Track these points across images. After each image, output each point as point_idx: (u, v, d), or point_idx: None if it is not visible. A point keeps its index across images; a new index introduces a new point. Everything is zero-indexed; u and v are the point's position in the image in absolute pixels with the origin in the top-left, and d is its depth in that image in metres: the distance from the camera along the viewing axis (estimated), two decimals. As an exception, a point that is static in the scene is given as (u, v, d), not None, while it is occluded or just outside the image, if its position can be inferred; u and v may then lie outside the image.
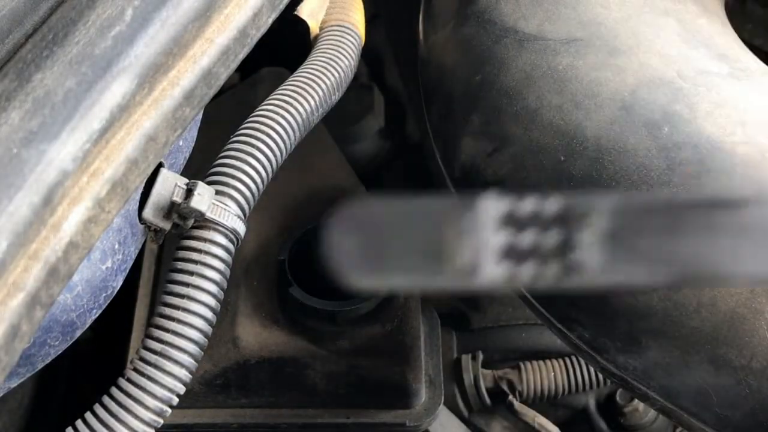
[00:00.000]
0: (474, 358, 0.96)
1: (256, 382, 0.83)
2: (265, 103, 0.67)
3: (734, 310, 0.57)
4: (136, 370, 0.57)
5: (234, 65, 0.57)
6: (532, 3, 0.70)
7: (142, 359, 0.57)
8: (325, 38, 0.75)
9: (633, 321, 0.61)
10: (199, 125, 0.66)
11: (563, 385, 0.95)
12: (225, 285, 0.60)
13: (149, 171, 0.51)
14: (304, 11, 0.77)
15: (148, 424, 0.56)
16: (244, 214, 0.61)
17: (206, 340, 0.58)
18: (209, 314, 0.58)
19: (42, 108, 0.46)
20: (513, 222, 0.18)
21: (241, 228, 0.60)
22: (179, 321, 0.57)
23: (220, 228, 0.59)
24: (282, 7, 0.61)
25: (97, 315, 0.57)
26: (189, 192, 0.58)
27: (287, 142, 0.65)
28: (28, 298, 0.44)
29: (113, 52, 0.49)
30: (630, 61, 0.65)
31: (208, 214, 0.58)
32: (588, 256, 0.18)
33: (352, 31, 0.76)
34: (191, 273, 0.58)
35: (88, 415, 0.56)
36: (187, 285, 0.58)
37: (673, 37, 0.67)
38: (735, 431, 0.59)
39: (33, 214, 0.44)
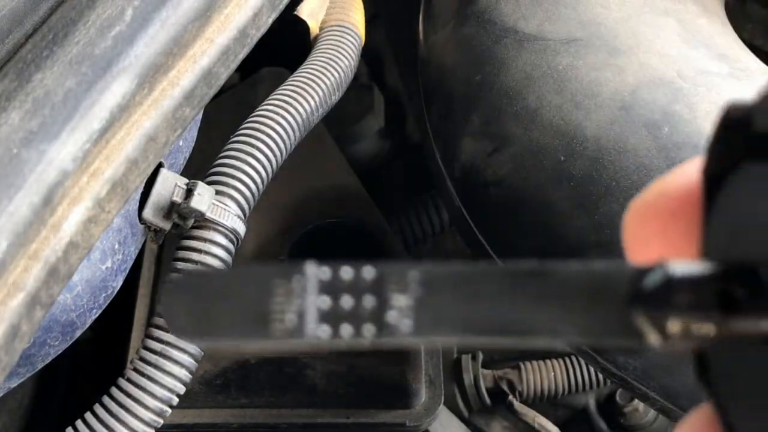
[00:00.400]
0: (474, 358, 0.96)
1: (256, 382, 0.84)
2: (265, 103, 0.67)
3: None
4: (136, 370, 0.57)
5: (234, 65, 0.57)
6: (532, 3, 0.70)
7: (142, 359, 0.57)
8: (325, 38, 0.75)
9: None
10: (199, 125, 0.66)
11: (563, 385, 0.95)
12: (225, 285, 0.60)
13: (149, 171, 0.51)
14: (304, 11, 0.77)
15: (148, 424, 0.56)
16: (244, 214, 0.61)
17: (206, 340, 0.58)
18: (209, 314, 0.58)
19: (42, 108, 0.46)
20: (334, 288, 0.20)
21: (241, 228, 0.60)
22: (179, 321, 0.57)
23: (220, 228, 0.59)
24: (282, 7, 0.61)
25: (97, 315, 0.57)
26: (189, 192, 0.58)
27: (287, 142, 0.65)
28: (28, 298, 0.44)
29: (113, 52, 0.49)
30: (630, 61, 0.65)
31: (208, 214, 0.58)
32: (399, 319, 0.20)
33: (352, 31, 0.76)
34: (191, 273, 0.58)
35: (88, 415, 0.56)
36: (187, 285, 0.58)
37: (673, 37, 0.67)
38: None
39: (33, 214, 0.44)
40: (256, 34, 0.59)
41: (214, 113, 0.72)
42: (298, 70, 0.71)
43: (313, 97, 0.68)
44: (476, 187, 0.70)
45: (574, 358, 0.96)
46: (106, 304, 0.58)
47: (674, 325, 0.20)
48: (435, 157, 0.76)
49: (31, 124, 0.46)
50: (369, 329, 0.20)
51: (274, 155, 0.64)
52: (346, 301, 0.20)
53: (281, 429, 0.84)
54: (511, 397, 0.95)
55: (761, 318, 0.20)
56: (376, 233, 0.86)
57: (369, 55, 1.10)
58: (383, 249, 0.84)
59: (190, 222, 0.59)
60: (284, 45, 0.85)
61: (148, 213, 0.58)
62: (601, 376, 0.94)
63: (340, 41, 0.74)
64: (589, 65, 0.65)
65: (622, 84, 0.64)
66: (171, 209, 0.58)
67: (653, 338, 0.20)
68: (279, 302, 0.20)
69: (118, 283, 0.58)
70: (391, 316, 0.20)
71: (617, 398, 0.97)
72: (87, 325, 0.57)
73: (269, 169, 0.63)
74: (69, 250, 0.46)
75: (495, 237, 0.71)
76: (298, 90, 0.68)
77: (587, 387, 0.96)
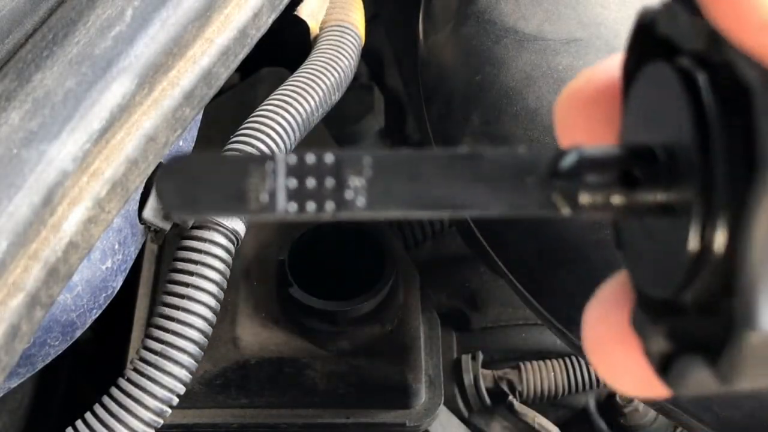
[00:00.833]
0: (474, 358, 0.96)
1: (256, 382, 0.83)
2: (265, 103, 0.67)
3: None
4: (136, 370, 0.57)
5: (234, 65, 0.57)
6: (532, 3, 0.70)
7: (142, 359, 0.57)
8: (325, 38, 0.75)
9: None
10: (199, 125, 0.66)
11: (563, 385, 0.95)
12: (225, 285, 0.60)
13: (149, 171, 0.51)
14: (304, 11, 0.77)
15: (148, 425, 0.56)
16: (244, 214, 0.61)
17: (206, 340, 0.58)
18: (209, 314, 0.58)
19: (42, 108, 0.46)
20: (300, 171, 0.23)
21: (241, 228, 0.60)
22: (179, 321, 0.57)
23: (220, 228, 0.59)
24: (282, 7, 0.61)
25: (97, 315, 0.57)
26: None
27: (287, 142, 0.65)
28: (28, 298, 0.44)
29: (113, 52, 0.49)
30: (630, 61, 0.65)
31: (208, 214, 0.58)
32: (354, 196, 0.23)
33: (352, 31, 0.76)
34: (191, 273, 0.58)
35: (88, 415, 0.56)
36: (187, 285, 0.58)
37: (673, 37, 0.67)
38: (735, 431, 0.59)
39: (33, 214, 0.44)
40: (256, 34, 0.59)
41: (214, 113, 0.72)
42: (298, 70, 0.71)
43: (313, 97, 0.68)
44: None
45: (574, 358, 0.96)
46: (106, 304, 0.58)
47: (584, 198, 0.24)
48: (435, 157, 0.76)
49: (31, 124, 0.46)
50: (330, 205, 0.23)
51: (274, 155, 0.64)
52: (311, 182, 0.23)
53: (281, 429, 0.84)
54: (511, 397, 0.95)
55: (656, 191, 0.24)
56: (376, 234, 0.86)
57: (369, 55, 1.10)
58: (383, 249, 0.84)
59: (190, 222, 0.59)
60: (284, 45, 0.85)
61: (148, 213, 0.58)
62: (601, 376, 0.94)
63: (340, 41, 0.74)
64: (589, 65, 0.65)
65: (622, 84, 0.64)
66: (171, 209, 0.58)
67: (565, 210, 0.24)
68: (254, 183, 0.23)
69: (118, 283, 0.58)
70: (348, 194, 0.23)
71: (617, 398, 0.97)
72: (87, 326, 0.57)
73: (269, 169, 0.63)
74: (69, 251, 0.46)
75: (495, 237, 0.71)
76: (298, 90, 0.68)
77: (587, 387, 0.96)
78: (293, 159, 0.23)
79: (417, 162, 0.24)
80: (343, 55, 0.73)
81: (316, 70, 0.70)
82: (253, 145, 0.63)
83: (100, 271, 0.55)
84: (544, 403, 0.97)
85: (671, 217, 0.24)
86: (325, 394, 0.83)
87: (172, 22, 0.52)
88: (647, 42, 0.26)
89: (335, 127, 0.99)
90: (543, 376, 0.95)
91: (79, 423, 0.56)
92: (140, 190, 0.57)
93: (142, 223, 0.59)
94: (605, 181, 0.24)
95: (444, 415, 0.89)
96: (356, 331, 0.85)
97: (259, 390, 0.84)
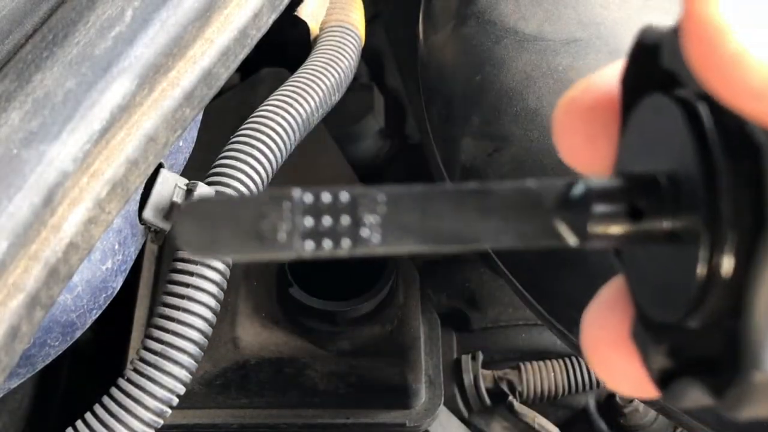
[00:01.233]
0: (474, 358, 0.96)
1: (256, 382, 0.83)
2: (266, 103, 0.67)
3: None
4: (136, 370, 0.57)
5: (234, 65, 0.57)
6: (532, 3, 0.70)
7: (142, 359, 0.57)
8: (325, 39, 0.75)
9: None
10: (199, 125, 0.66)
11: (563, 386, 0.95)
12: (225, 285, 0.60)
13: (149, 171, 0.51)
14: (304, 12, 0.77)
15: (148, 425, 0.56)
16: (245, 215, 0.61)
17: (206, 340, 0.58)
18: (209, 315, 0.58)
19: (42, 108, 0.46)
20: (316, 210, 0.24)
21: (241, 228, 0.60)
22: (179, 321, 0.57)
23: (220, 228, 0.59)
24: (282, 7, 0.61)
25: (97, 315, 0.57)
26: (189, 192, 0.58)
27: (287, 142, 0.65)
28: (28, 299, 0.44)
29: (113, 53, 0.49)
30: (630, 61, 0.65)
31: (209, 215, 0.58)
32: (370, 233, 0.24)
33: (352, 31, 0.76)
34: (191, 273, 0.58)
35: (88, 415, 0.56)
36: (187, 285, 0.58)
37: (673, 37, 0.67)
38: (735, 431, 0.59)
39: (33, 214, 0.44)
40: (256, 35, 0.59)
41: (214, 113, 0.72)
42: (298, 71, 0.71)
43: (313, 98, 0.68)
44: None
45: (574, 359, 0.96)
46: (106, 305, 0.58)
47: (593, 228, 0.25)
48: (435, 158, 0.76)
49: (31, 125, 0.46)
50: (346, 242, 0.24)
51: (275, 155, 0.64)
52: (327, 221, 0.24)
53: (281, 429, 0.84)
54: (511, 397, 0.95)
55: (661, 219, 0.25)
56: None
57: (369, 55, 1.10)
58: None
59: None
60: (284, 45, 0.85)
61: (148, 213, 0.58)
62: (601, 376, 0.94)
63: (340, 41, 0.74)
64: (589, 65, 0.65)
65: (622, 84, 0.63)
66: (171, 210, 0.58)
67: (573, 240, 0.25)
68: (271, 223, 0.24)
69: (119, 283, 0.58)
70: (364, 231, 0.24)
71: (617, 398, 0.97)
72: (87, 326, 0.57)
73: (269, 170, 0.63)
74: (69, 251, 0.46)
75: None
76: (299, 90, 0.68)
77: (587, 387, 0.96)
78: (309, 198, 0.24)
79: (429, 198, 0.24)
80: (344, 56, 0.73)
81: (316, 70, 0.70)
82: (253, 146, 0.63)
83: (100, 271, 0.55)
84: (544, 404, 0.97)
85: (676, 243, 0.24)
86: (325, 394, 0.83)
87: (172, 23, 0.52)
88: (648, 66, 0.26)
89: (335, 127, 0.99)
90: (543, 376, 0.95)
91: (79, 423, 0.56)
92: (140, 191, 0.57)
93: (142, 224, 0.59)
94: (613, 211, 0.25)
95: (444, 415, 0.89)
96: (356, 332, 0.85)
97: (259, 390, 0.84)
